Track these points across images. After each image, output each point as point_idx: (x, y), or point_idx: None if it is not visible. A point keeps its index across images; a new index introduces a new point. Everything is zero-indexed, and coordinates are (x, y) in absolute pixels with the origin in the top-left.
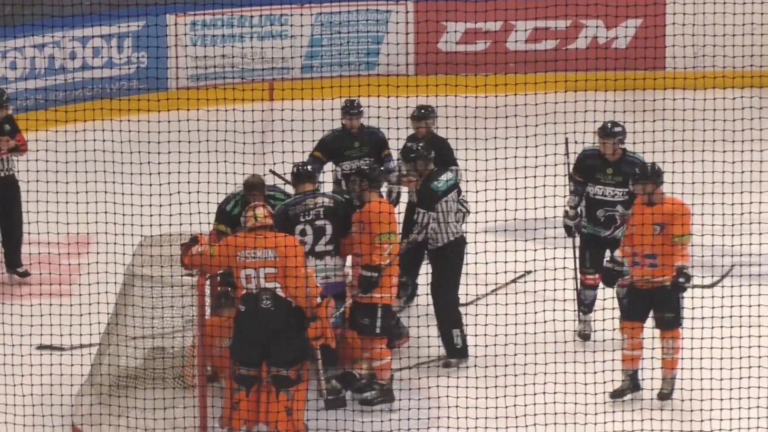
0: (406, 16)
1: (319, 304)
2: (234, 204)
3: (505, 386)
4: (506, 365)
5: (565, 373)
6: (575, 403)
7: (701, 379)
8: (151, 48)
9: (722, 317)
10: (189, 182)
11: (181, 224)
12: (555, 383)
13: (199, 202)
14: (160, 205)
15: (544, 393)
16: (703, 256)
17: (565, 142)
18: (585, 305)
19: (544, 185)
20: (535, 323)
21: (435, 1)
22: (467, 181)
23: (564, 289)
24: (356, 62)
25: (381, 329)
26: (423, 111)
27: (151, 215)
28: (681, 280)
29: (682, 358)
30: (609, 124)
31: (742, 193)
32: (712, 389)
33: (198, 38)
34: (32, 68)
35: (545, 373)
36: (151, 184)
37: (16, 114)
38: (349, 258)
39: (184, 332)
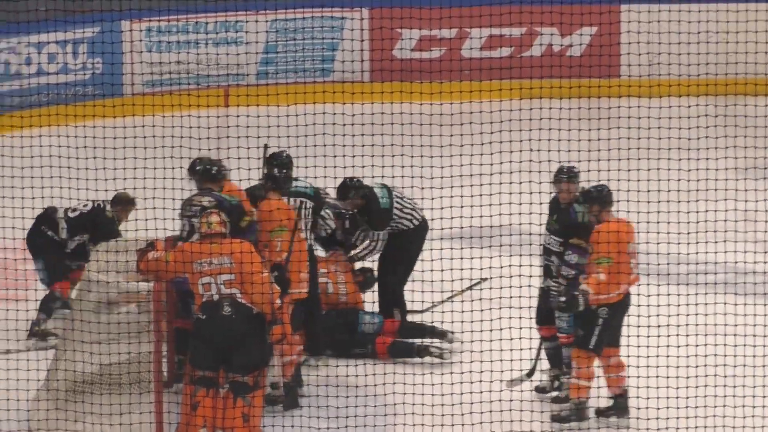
0: (361, 23)
1: (279, 307)
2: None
3: (461, 393)
4: (462, 372)
5: (521, 380)
6: (531, 411)
7: (657, 387)
8: (106, 54)
9: (678, 326)
10: (144, 188)
11: (136, 230)
12: (511, 390)
13: (154, 208)
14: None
15: (500, 401)
16: (659, 265)
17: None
18: (548, 357)
19: (500, 193)
20: (491, 330)
21: (390, 8)
22: (422, 188)
23: (520, 297)
24: (311, 69)
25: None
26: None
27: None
28: (562, 299)
29: (638, 366)
30: (561, 167)
31: (697, 201)
32: (668, 398)
33: (153, 44)
34: None
35: (501, 380)
36: (106, 190)
37: None
38: None
39: (140, 338)
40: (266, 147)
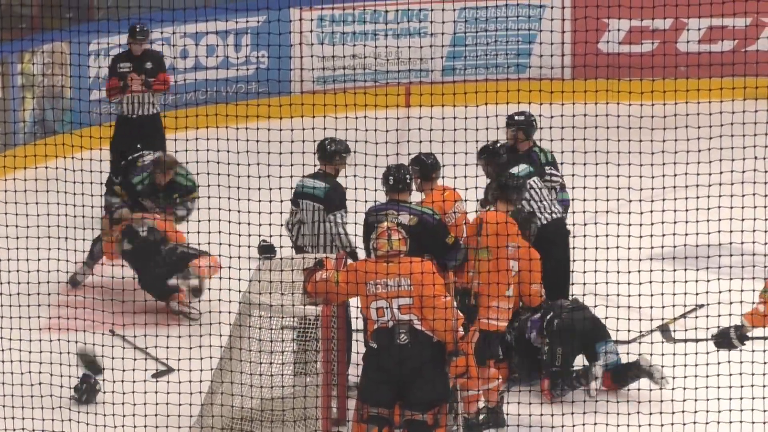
0: (562, 12)
1: (463, 337)
2: (141, 179)
3: None
4: (673, 412)
5: (741, 422)
6: None
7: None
8: (272, 46)
9: None
10: None
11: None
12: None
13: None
14: (281, 225)
15: None
16: None
17: None
18: None
19: (719, 207)
20: (707, 364)
21: None
22: (630, 200)
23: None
24: (504, 64)
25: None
26: None
27: (270, 235)
28: None
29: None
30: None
31: None
32: None
33: (325, 36)
34: None
35: (718, 422)
36: (271, 201)
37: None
38: None
39: (307, 369)
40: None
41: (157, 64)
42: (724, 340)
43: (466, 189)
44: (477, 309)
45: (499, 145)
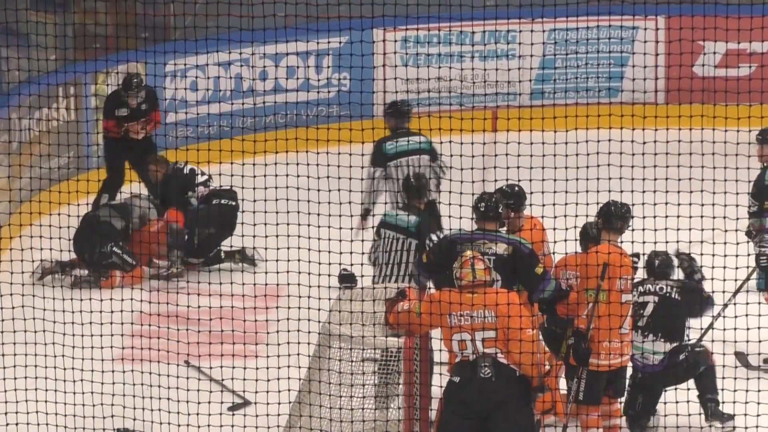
0: (656, 34)
1: (548, 372)
2: None
3: None
4: None
5: None
6: None
7: None
8: (354, 68)
9: None
10: None
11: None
12: None
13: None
14: (362, 253)
15: None
16: None
17: None
18: None
19: None
20: None
21: (690, 17)
22: (725, 230)
23: None
24: (595, 88)
25: None
26: None
27: (351, 264)
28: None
29: None
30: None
31: None
32: None
33: (410, 57)
34: (216, 90)
35: None
36: (352, 228)
37: (196, 143)
38: None
39: (388, 403)
40: None
41: (150, 104)
42: None
43: (555, 217)
44: (590, 353)
45: (408, 106)
